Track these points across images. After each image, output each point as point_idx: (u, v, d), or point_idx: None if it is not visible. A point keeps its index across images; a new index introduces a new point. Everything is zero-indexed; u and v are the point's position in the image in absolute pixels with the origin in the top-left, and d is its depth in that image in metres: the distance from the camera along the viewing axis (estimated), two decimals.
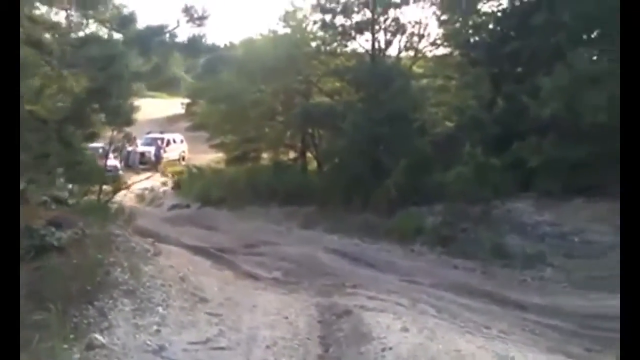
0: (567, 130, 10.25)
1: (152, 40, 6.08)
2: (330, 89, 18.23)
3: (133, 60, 6.24)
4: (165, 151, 28.96)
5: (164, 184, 19.96)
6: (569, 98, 9.91)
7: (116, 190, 10.01)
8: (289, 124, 17.99)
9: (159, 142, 26.21)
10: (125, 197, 12.69)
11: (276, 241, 10.02)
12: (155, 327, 4.32)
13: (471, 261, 8.94)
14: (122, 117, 6.88)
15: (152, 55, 6.61)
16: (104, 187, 9.29)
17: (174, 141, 31.38)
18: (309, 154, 19.54)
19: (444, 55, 16.70)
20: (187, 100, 42.55)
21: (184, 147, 31.54)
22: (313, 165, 19.33)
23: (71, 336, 3.89)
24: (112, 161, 14.31)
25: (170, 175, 21.96)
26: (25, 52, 5.23)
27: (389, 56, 16.41)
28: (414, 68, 17.04)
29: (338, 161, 14.95)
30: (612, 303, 6.85)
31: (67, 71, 5.58)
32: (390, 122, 13.04)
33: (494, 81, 13.28)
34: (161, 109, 35.64)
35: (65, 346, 3.76)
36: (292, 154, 20.75)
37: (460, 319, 5.46)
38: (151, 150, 24.79)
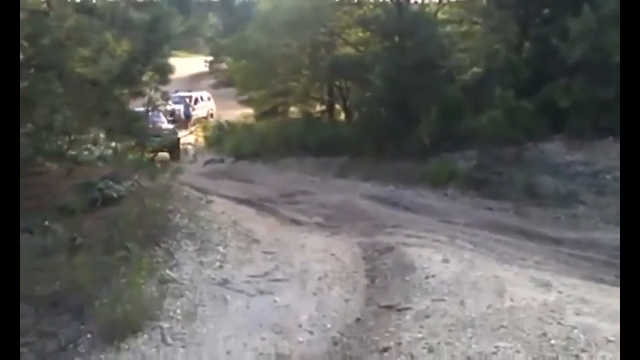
0: (596, 71, 10.25)
1: (191, 0, 6.31)
2: (355, 41, 18.20)
3: (174, 22, 6.49)
4: (194, 109, 29.31)
5: (197, 140, 20.36)
6: (597, 39, 9.87)
7: (159, 149, 10.55)
8: (316, 77, 18.11)
9: (188, 100, 26.54)
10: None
11: (313, 191, 10.36)
12: (218, 264, 4.76)
13: (505, 202, 9.18)
14: (165, 77, 7.17)
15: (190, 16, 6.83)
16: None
17: (202, 99, 31.65)
18: (337, 106, 19.69)
19: (469, 0, 16.50)
20: (210, 58, 42.54)
21: (212, 104, 31.79)
22: (341, 117, 19.51)
23: (143, 273, 4.30)
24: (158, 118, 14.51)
25: (202, 131, 22.27)
26: (79, 18, 5.55)
27: (415, 3, 16.28)
28: (439, 15, 16.87)
29: (368, 112, 15.09)
30: None
31: (116, 33, 5.89)
32: (419, 71, 13.08)
33: (521, 24, 13.13)
34: (184, 67, 35.82)
35: (142, 281, 4.19)
36: (319, 107, 20.91)
37: (497, 252, 5.75)
38: (181, 108, 25.11)
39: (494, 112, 10.54)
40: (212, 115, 30.30)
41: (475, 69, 15.57)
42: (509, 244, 6.36)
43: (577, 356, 2.91)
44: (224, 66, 41.78)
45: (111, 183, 6.09)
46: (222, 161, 16.59)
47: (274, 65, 17.62)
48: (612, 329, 3.10)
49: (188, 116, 26.28)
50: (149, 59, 6.29)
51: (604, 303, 3.59)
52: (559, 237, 7.06)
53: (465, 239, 6.22)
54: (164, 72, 6.54)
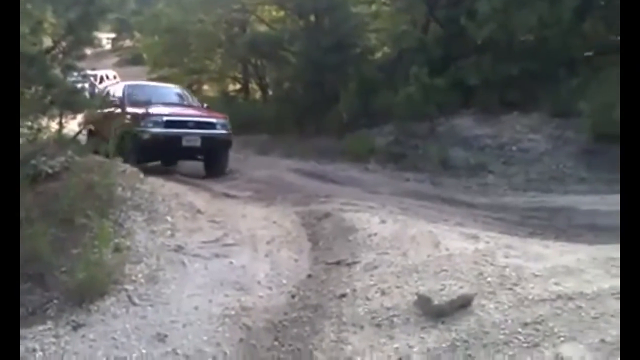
0: (502, 49, 11.14)
1: None
2: (270, 18, 18.30)
3: None
4: (98, 88, 28.08)
5: None
6: (503, 19, 10.72)
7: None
8: (232, 55, 18.05)
9: (92, 78, 25.43)
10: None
11: (237, 167, 10.50)
12: (169, 232, 4.90)
13: (421, 174, 9.86)
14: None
15: None
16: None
17: (107, 77, 30.42)
18: (252, 85, 19.69)
19: None
20: (112, 35, 40.68)
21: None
22: (256, 96, 19.53)
23: (95, 242, 4.37)
24: None
25: None
26: None
27: None
28: None
29: (287, 90, 15.36)
30: (546, 199, 7.97)
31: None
32: (336, 49, 13.50)
33: (428, 5, 13.84)
34: None
35: (95, 250, 4.26)
36: (232, 86, 20.80)
37: (422, 215, 6.23)
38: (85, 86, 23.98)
39: (408, 88, 11.16)
40: None
41: (386, 49, 16.25)
42: (431, 208, 6.91)
43: (510, 289, 3.39)
44: (127, 43, 40.08)
45: (44, 158, 5.99)
46: None
47: (188, 42, 17.38)
48: (536, 267, 3.63)
49: (92, 95, 25.17)
50: (79, 33, 6.19)
51: (526, 249, 4.13)
52: (473, 202, 7.74)
53: (393, 204, 6.68)
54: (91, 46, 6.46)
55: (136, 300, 3.80)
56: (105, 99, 10.26)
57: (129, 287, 3.94)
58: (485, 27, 10.78)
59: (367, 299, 3.72)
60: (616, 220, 6.28)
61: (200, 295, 3.96)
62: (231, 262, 4.52)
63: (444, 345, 3.08)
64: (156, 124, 9.12)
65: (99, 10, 5.85)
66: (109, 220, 4.85)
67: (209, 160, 10.08)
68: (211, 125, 9.67)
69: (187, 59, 18.69)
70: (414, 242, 4.48)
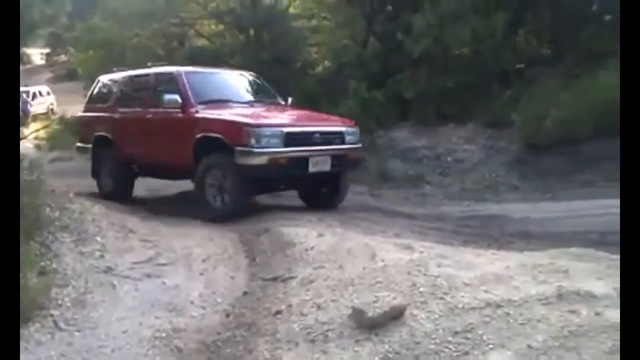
0: (438, 63, 11.47)
1: None
2: (209, 32, 18.17)
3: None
4: (31, 105, 27.13)
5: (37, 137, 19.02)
6: (438, 34, 11.04)
7: None
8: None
9: (25, 95, 24.50)
10: None
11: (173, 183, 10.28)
12: (98, 253, 4.72)
13: (361, 186, 9.90)
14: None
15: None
16: None
17: (41, 94, 29.44)
18: None
19: None
20: (46, 50, 39.52)
21: (52, 99, 29.70)
22: None
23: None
24: None
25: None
26: None
27: None
28: (291, 9, 17.43)
29: None
30: (479, 208, 8.18)
31: None
32: (276, 63, 13.52)
33: (367, 20, 14.10)
34: None
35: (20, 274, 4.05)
36: None
37: (361, 227, 6.28)
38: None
39: (348, 102, 11.29)
40: (52, 111, 28.21)
41: (327, 63, 16.40)
42: (370, 220, 6.97)
43: (442, 298, 3.43)
44: (62, 58, 38.89)
45: None
46: (70, 159, 15.62)
47: (125, 56, 17.01)
48: (467, 275, 3.69)
49: (26, 113, 24.25)
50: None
51: (458, 257, 4.19)
52: (411, 213, 7.86)
53: (333, 218, 6.68)
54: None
55: (62, 326, 3.63)
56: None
57: (55, 312, 3.76)
58: (421, 42, 11.06)
59: (303, 314, 3.68)
60: (546, 228, 6.53)
61: (130, 318, 3.82)
62: (164, 283, 4.40)
63: (376, 357, 3.07)
64: (272, 140, 6.26)
65: (29, 26, 5.64)
66: (36, 242, 4.64)
67: (329, 187, 7.41)
68: (341, 138, 6.96)
69: None
70: (350, 255, 4.49)
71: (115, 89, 8.63)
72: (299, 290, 4.06)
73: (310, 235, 5.22)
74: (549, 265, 3.78)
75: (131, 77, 8.53)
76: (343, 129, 7.09)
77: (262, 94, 8.24)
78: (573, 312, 3.14)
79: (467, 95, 10.97)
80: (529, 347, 2.89)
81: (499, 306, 3.25)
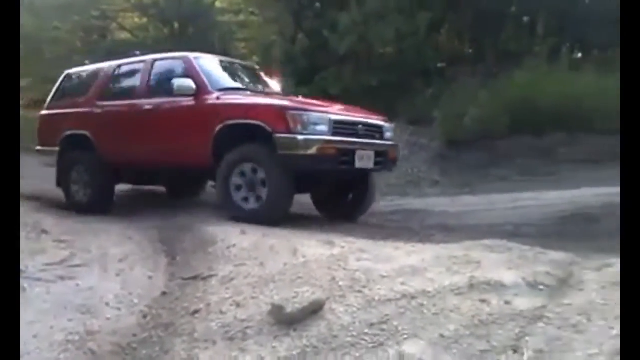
0: (363, 61, 11.64)
1: None
2: (132, 26, 17.66)
3: None
4: None
5: None
6: (363, 32, 11.21)
7: None
8: (91, 63, 17.16)
9: None
10: None
11: None
12: None
13: None
14: None
15: None
16: None
17: None
18: None
19: None
20: None
21: None
22: None
23: None
24: None
25: None
26: None
27: None
28: (218, 3, 17.22)
29: None
30: (402, 202, 8.38)
31: None
32: None
33: (295, 17, 14.14)
34: None
35: None
36: None
37: (287, 224, 6.26)
38: None
39: None
40: None
41: (255, 58, 16.30)
42: (297, 217, 6.94)
43: (360, 291, 3.48)
44: None
45: None
46: None
47: (43, 51, 16.24)
48: (385, 268, 3.76)
49: None
50: None
51: (378, 251, 4.27)
52: None
53: None
54: None
55: None
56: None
57: None
58: (346, 39, 11.20)
59: (222, 312, 3.63)
60: (464, 220, 6.75)
61: (41, 321, 3.64)
62: (77, 284, 4.22)
63: (294, 352, 3.08)
64: (319, 127, 5.50)
65: None
66: None
67: (358, 189, 6.72)
68: (380, 133, 6.31)
69: (42, 67, 17.46)
70: (272, 252, 4.47)
71: (93, 82, 7.54)
72: (218, 288, 4.00)
73: (232, 233, 5.15)
74: (463, 257, 3.91)
75: (117, 66, 7.46)
76: (382, 123, 6.44)
77: (269, 85, 7.54)
78: (484, 301, 3.26)
79: (390, 93, 11.20)
80: (442, 336, 2.98)
81: (414, 297, 3.33)
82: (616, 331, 2.87)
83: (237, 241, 4.85)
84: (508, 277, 3.53)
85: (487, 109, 9.25)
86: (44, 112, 8.16)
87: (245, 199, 5.73)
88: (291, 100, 6.14)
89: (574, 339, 2.90)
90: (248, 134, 5.62)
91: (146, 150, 6.55)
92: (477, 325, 3.04)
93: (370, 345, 3.01)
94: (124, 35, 17.19)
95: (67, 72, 8.22)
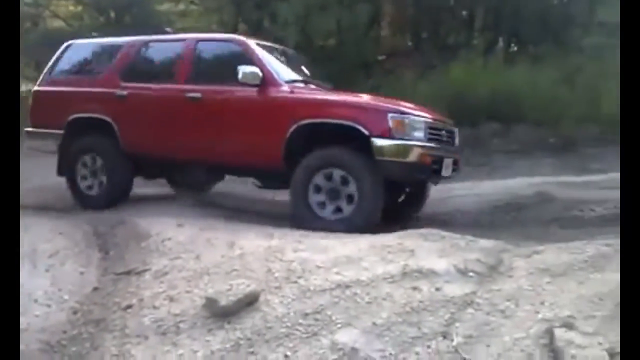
0: (304, 52, 11.57)
1: None
2: (65, 13, 17.00)
3: None
4: None
5: None
6: (304, 23, 11.18)
7: None
8: (23, 52, 16.41)
9: None
10: None
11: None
12: None
13: None
14: None
15: None
16: None
17: None
18: None
19: None
20: None
21: None
22: None
23: None
24: None
25: None
26: None
27: None
28: None
29: None
30: None
31: None
32: None
33: (236, 6, 13.93)
34: None
35: None
36: (26, 86, 18.92)
37: (223, 217, 6.16)
38: None
39: None
40: None
41: None
42: (233, 210, 6.86)
43: (295, 282, 3.49)
44: None
45: None
46: None
47: None
48: (321, 258, 3.79)
49: None
50: None
51: (315, 242, 4.29)
52: (274, 200, 7.80)
53: (195, 211, 6.46)
54: None
55: None
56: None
57: None
58: (287, 31, 11.12)
59: (154, 307, 3.57)
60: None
61: None
62: None
63: (227, 345, 3.06)
64: (418, 132, 5.06)
65: None
66: None
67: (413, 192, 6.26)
68: (454, 138, 5.86)
69: None
70: (209, 245, 4.42)
71: (110, 58, 6.60)
72: (152, 283, 3.92)
73: (168, 226, 5.05)
74: (397, 246, 3.98)
75: (145, 43, 6.52)
76: (455, 128, 5.95)
77: (305, 74, 6.47)
78: (415, 288, 3.34)
79: (333, 85, 11.22)
80: (374, 324, 3.03)
81: (348, 287, 3.37)
82: (542, 315, 3.00)
83: (172, 234, 4.76)
84: (440, 264, 3.62)
85: (424, 101, 9.40)
86: (38, 87, 7.02)
87: (322, 205, 5.16)
88: (381, 101, 5.52)
89: (502, 324, 3.01)
90: (332, 136, 5.08)
91: (191, 145, 5.81)
92: (408, 313, 3.11)
93: (304, 336, 3.02)
94: (57, 23, 16.49)
95: (70, 42, 7.12)
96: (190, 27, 16.31)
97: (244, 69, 5.34)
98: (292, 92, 5.44)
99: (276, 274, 3.63)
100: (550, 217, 6.19)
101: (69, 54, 6.99)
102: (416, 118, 5.08)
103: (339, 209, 5.11)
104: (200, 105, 5.74)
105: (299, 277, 3.54)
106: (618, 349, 2.60)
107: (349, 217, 5.01)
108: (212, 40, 6.39)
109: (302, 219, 5.14)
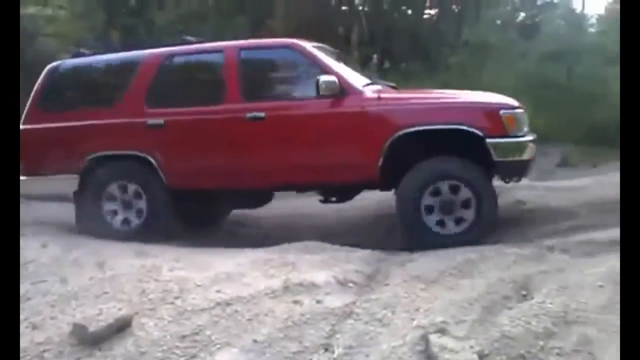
0: None
1: None
2: None
3: None
4: None
5: None
6: (182, 30, 10.94)
7: None
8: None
9: None
10: None
11: None
12: None
13: None
14: None
15: None
16: None
17: None
18: None
19: None
20: None
21: None
22: None
23: None
24: None
25: None
26: None
27: None
28: None
29: None
30: None
31: None
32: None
33: (108, 12, 13.34)
34: None
35: None
36: None
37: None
38: None
39: None
40: None
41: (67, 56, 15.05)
42: None
43: (172, 302, 3.33)
44: None
45: None
46: None
47: None
48: (199, 276, 3.66)
49: None
50: None
51: (193, 259, 4.15)
52: None
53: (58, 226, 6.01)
54: None
55: None
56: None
57: None
58: (164, 38, 10.82)
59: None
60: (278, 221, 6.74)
61: None
62: None
63: None
64: (525, 128, 4.73)
65: None
66: None
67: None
68: None
69: None
70: (76, 266, 4.12)
71: (126, 79, 5.49)
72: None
73: (30, 247, 4.63)
74: (278, 260, 3.95)
75: (165, 58, 5.43)
76: None
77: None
78: (297, 302, 3.33)
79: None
80: (255, 341, 2.97)
81: (228, 304, 3.28)
82: (417, 322, 3.10)
83: (35, 256, 4.37)
84: (320, 277, 3.64)
85: None
86: (27, 126, 5.49)
87: (439, 221, 4.64)
88: (481, 96, 5.13)
89: (380, 333, 3.07)
90: (434, 142, 4.67)
91: (257, 169, 5.08)
92: (290, 327, 3.08)
93: (182, 358, 2.88)
94: None
95: (55, 64, 5.84)
96: (59, 33, 15.35)
97: (324, 79, 4.71)
98: (379, 98, 4.87)
99: (151, 295, 3.44)
100: None
101: (58, 80, 5.78)
102: (522, 112, 4.76)
103: (460, 220, 4.63)
104: (265, 125, 4.99)
105: (176, 298, 3.38)
106: (487, 351, 2.76)
107: (465, 231, 4.60)
108: (260, 48, 5.51)
109: (415, 236, 4.68)
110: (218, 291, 3.45)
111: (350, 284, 3.60)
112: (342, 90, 4.79)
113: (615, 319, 3.03)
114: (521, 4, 20.50)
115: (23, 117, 5.54)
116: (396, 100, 4.97)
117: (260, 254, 4.20)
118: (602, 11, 30.15)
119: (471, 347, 2.80)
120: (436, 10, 16.01)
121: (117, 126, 5.35)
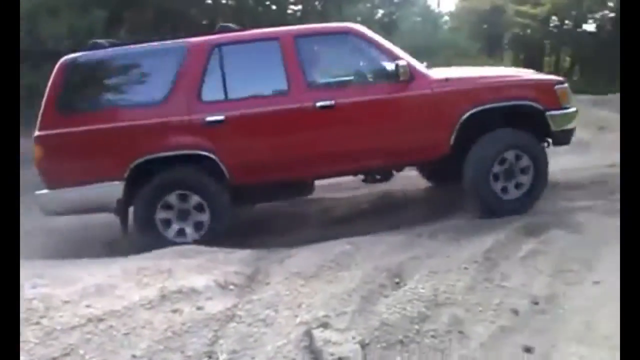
0: (33, 57, 10.46)
1: None
2: None
3: None
4: None
5: None
6: (31, 27, 10.08)
7: None
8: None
9: None
10: None
11: None
12: None
13: None
14: None
15: None
16: None
17: None
18: None
19: None
20: None
21: None
22: None
23: None
24: None
25: None
26: None
27: None
28: None
29: None
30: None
31: None
32: None
33: None
34: None
35: None
36: None
37: None
38: None
39: None
40: None
41: None
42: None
43: (37, 322, 3.06)
44: None
45: None
46: None
47: None
48: (66, 292, 3.39)
49: None
50: None
51: (58, 273, 3.84)
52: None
53: None
54: None
55: None
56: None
57: None
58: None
59: None
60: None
61: None
62: None
63: None
64: (571, 99, 5.43)
65: None
66: None
67: None
68: None
69: None
70: None
71: (166, 73, 4.93)
72: None
73: None
74: (153, 267, 3.79)
75: (212, 48, 5.01)
76: None
77: None
78: (176, 311, 3.21)
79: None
80: (134, 357, 2.82)
81: (100, 320, 3.08)
82: (300, 318, 3.13)
83: None
84: (199, 281, 3.55)
85: None
86: (47, 132, 4.87)
87: (504, 189, 5.08)
88: (535, 74, 5.73)
89: (264, 333, 3.06)
90: (499, 117, 5.09)
91: (327, 157, 5.03)
92: (170, 338, 2.97)
93: None
94: None
95: (70, 59, 5.03)
96: None
97: (402, 64, 4.89)
98: (447, 80, 5.10)
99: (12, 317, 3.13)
100: None
101: (78, 76, 5.05)
102: (567, 85, 5.32)
103: (518, 185, 5.13)
104: (336, 113, 4.96)
105: (42, 317, 3.11)
106: (368, 340, 2.85)
107: (520, 197, 5.12)
108: (317, 34, 5.32)
109: (484, 202, 5.06)
110: (88, 306, 3.23)
111: (231, 287, 3.55)
112: (411, 74, 4.97)
113: (478, 298, 3.30)
114: (381, 1, 21.42)
115: (39, 121, 4.92)
116: (463, 81, 5.23)
117: (132, 262, 4.00)
118: (453, 8, 32.48)
119: (353, 337, 2.88)
120: (300, 7, 16.28)
121: (167, 125, 4.89)
